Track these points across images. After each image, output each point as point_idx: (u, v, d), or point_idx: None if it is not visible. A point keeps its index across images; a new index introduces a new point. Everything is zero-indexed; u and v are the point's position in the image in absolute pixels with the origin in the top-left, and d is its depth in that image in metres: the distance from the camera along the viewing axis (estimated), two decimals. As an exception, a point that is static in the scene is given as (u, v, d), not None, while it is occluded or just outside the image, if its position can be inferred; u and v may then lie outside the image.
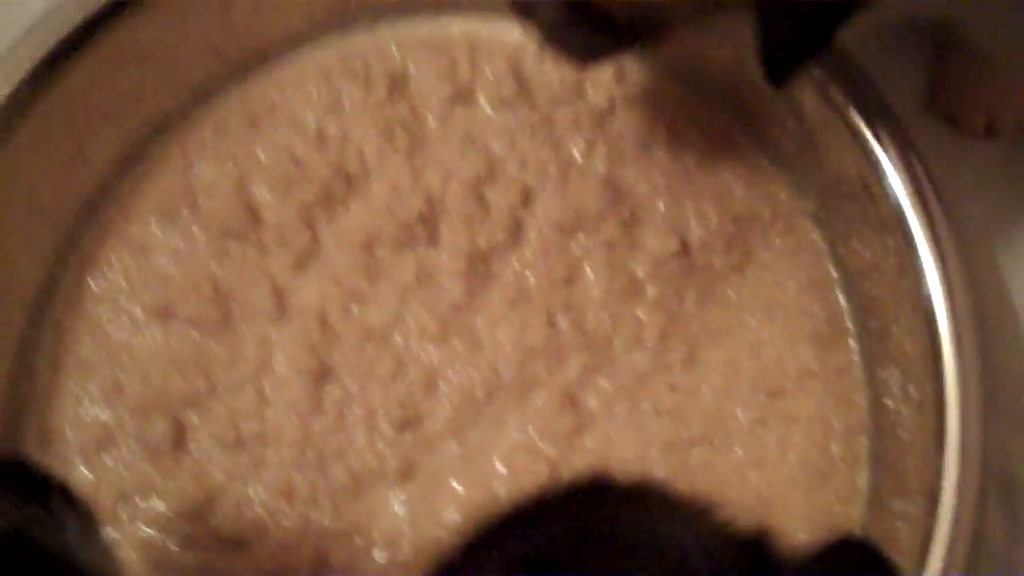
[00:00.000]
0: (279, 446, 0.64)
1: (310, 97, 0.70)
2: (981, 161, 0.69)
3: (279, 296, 0.66)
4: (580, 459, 0.63)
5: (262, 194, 0.68)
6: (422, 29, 0.71)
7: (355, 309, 0.66)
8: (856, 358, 0.65)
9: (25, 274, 0.66)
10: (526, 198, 0.67)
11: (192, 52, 0.69)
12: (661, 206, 0.67)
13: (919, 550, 0.56)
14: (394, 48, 0.71)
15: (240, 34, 0.70)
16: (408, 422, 0.64)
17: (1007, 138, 0.69)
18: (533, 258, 0.66)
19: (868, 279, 0.65)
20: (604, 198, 0.67)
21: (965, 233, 0.61)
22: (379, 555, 0.62)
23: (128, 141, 0.69)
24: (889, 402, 0.63)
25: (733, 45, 0.64)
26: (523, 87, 0.69)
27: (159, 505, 0.63)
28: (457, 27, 0.71)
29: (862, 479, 0.63)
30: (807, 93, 0.63)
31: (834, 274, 0.67)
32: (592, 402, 0.65)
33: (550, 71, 0.69)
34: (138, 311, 0.66)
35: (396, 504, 0.63)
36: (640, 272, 0.66)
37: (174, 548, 0.62)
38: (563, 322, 0.65)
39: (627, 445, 0.64)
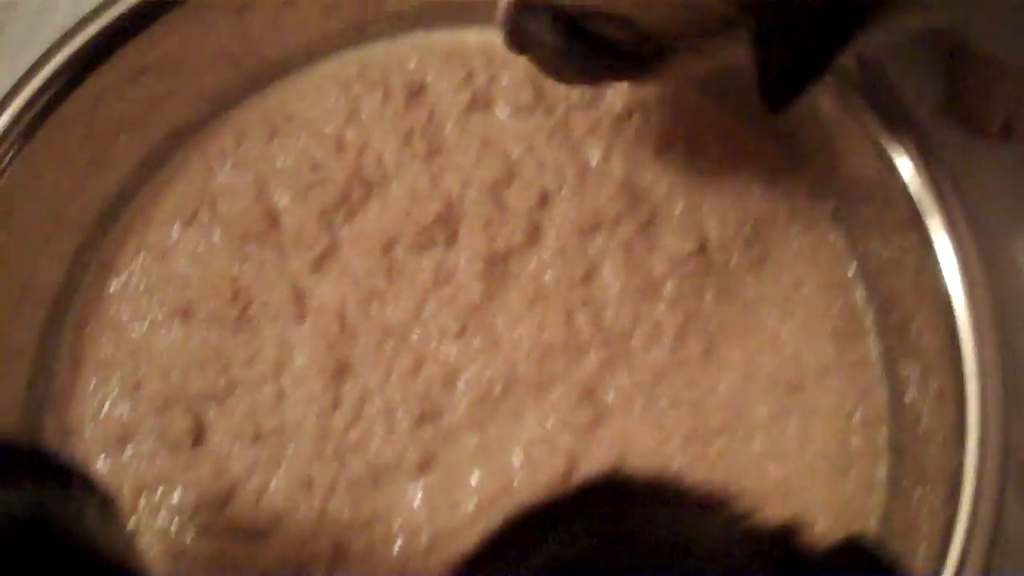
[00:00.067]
0: (298, 440, 0.64)
1: (329, 106, 0.70)
2: (997, 162, 0.69)
3: (298, 296, 0.66)
4: (598, 452, 0.63)
5: (281, 198, 0.68)
6: (439, 39, 0.72)
7: (374, 308, 0.66)
8: (875, 353, 0.65)
9: (46, 276, 0.67)
10: (544, 201, 0.67)
11: (212, 63, 0.70)
12: (679, 207, 0.67)
13: (940, 540, 0.56)
14: (412, 58, 0.71)
15: (259, 46, 0.71)
16: (426, 416, 0.64)
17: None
18: (551, 258, 0.66)
19: (887, 277, 0.65)
20: (622, 200, 0.67)
21: (984, 231, 0.61)
22: (397, 546, 0.62)
23: (149, 149, 0.70)
24: (909, 396, 0.63)
25: (749, 49, 0.65)
26: (540, 94, 0.70)
27: (178, 496, 0.63)
28: (474, 37, 0.72)
29: (881, 470, 0.63)
30: (825, 96, 0.64)
31: (852, 272, 0.67)
32: (610, 396, 0.64)
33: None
34: (158, 311, 0.67)
35: (414, 496, 0.63)
36: (658, 271, 0.66)
37: (193, 538, 0.62)
38: (581, 320, 0.65)
39: (645, 438, 0.64)
